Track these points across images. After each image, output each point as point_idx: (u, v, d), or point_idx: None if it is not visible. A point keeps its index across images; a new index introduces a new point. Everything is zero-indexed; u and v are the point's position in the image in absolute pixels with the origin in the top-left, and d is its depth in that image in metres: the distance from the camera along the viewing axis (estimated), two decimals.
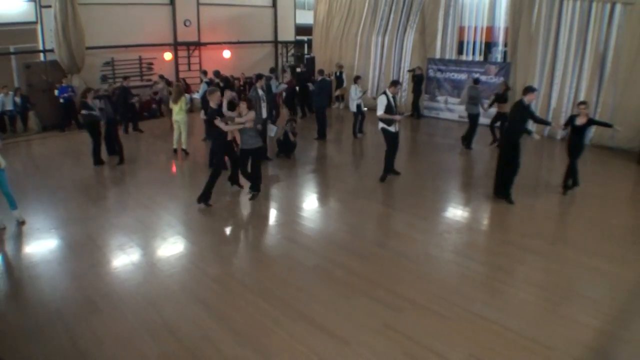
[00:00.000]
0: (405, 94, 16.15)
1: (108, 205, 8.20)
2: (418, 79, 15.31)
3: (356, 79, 12.60)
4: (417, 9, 15.71)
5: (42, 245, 6.72)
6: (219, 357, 4.32)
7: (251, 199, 8.23)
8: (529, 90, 7.92)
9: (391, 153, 9.40)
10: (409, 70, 15.85)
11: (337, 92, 17.46)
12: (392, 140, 9.20)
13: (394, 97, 8.91)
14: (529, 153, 11.45)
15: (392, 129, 9.04)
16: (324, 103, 12.93)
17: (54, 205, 8.12)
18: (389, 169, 9.53)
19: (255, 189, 8.32)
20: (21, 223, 7.27)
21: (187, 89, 16.21)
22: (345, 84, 16.79)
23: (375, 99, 10.20)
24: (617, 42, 11.63)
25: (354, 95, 12.43)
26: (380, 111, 8.82)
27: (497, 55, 14.79)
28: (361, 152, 12.21)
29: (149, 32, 16.25)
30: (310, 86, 14.38)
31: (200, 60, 17.79)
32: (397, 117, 8.96)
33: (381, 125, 9.11)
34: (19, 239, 6.91)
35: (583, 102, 8.96)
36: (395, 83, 9.21)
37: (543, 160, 11.52)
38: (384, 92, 8.97)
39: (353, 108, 12.61)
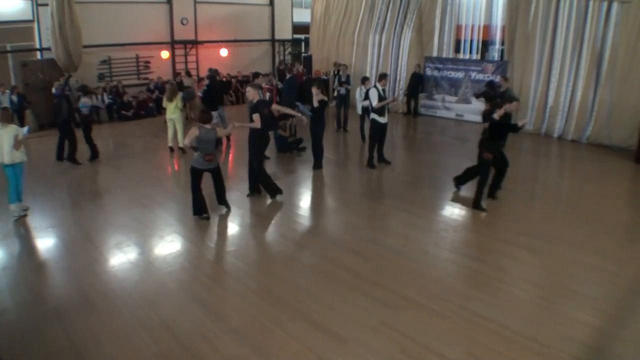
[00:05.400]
0: (402, 92, 16.14)
1: (105, 204, 8.19)
2: (417, 78, 15.29)
3: (363, 80, 12.00)
4: (414, 7, 15.70)
5: (39, 244, 6.72)
6: (216, 355, 4.32)
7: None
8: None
9: (376, 143, 10.01)
10: (405, 94, 15.78)
11: (335, 92, 17.42)
12: (379, 130, 9.85)
13: (383, 90, 9.68)
14: (525, 152, 11.51)
15: (381, 120, 9.71)
16: (293, 103, 12.86)
17: (50, 203, 8.10)
18: (374, 156, 10.08)
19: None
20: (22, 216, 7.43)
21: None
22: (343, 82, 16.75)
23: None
24: (614, 40, 11.64)
25: (359, 97, 12.10)
26: (374, 101, 9.52)
27: (494, 53, 14.80)
28: (359, 150, 12.20)
29: (146, 31, 16.18)
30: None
31: (197, 59, 17.74)
32: (390, 99, 9.77)
33: (372, 115, 9.80)
34: (16, 237, 6.89)
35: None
36: (383, 76, 9.99)
37: (540, 159, 11.53)
38: (374, 86, 9.80)
39: (359, 110, 12.28)
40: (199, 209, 7.30)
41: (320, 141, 9.81)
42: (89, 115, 10.60)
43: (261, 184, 8.13)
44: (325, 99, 9.72)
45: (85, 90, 10.96)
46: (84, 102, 10.40)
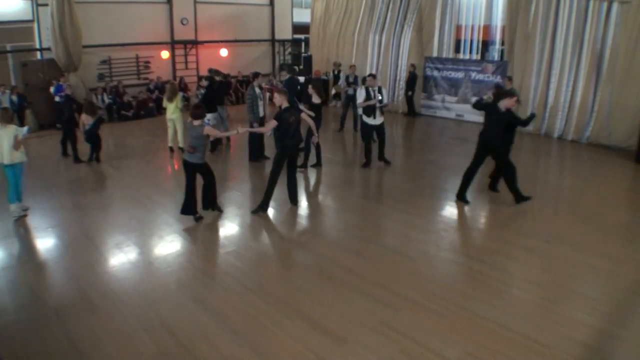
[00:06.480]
0: (401, 92, 16.16)
1: (105, 204, 8.18)
2: (412, 78, 15.29)
3: (363, 81, 11.74)
4: (415, 8, 15.71)
5: (38, 244, 6.73)
6: (216, 355, 4.32)
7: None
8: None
9: (367, 143, 10.05)
10: (407, 94, 15.75)
11: (334, 91, 17.46)
12: (368, 131, 9.95)
13: (374, 90, 9.59)
14: (525, 152, 11.50)
15: (369, 121, 9.75)
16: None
17: (50, 203, 8.10)
18: (369, 157, 10.09)
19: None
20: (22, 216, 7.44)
21: (185, 88, 16.23)
22: (341, 82, 16.76)
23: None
24: (614, 41, 11.64)
25: (360, 98, 11.99)
26: (359, 100, 9.69)
27: (494, 53, 14.82)
28: (359, 150, 12.20)
29: (146, 31, 16.18)
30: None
31: (197, 59, 17.75)
32: (372, 101, 9.57)
33: (362, 116, 9.94)
34: (15, 237, 6.89)
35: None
36: (372, 76, 10.04)
37: (540, 159, 11.53)
38: (362, 85, 10.13)
39: (360, 111, 12.21)
40: (187, 208, 7.20)
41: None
42: (92, 129, 10.28)
43: (266, 191, 7.66)
44: (319, 101, 9.71)
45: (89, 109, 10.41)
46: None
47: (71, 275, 5.76)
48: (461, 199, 8.13)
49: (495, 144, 7.75)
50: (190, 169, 7.12)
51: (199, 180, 7.26)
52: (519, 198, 7.94)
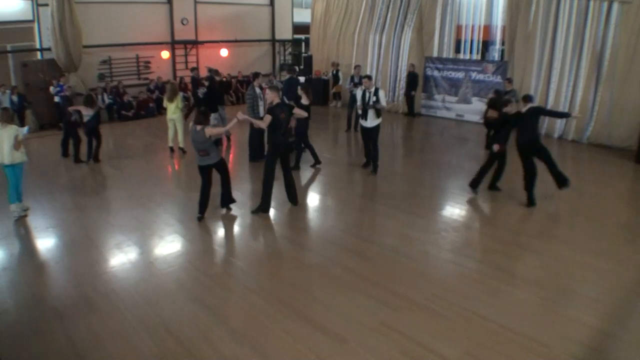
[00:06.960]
0: (402, 92, 16.14)
1: (105, 204, 8.19)
2: (412, 78, 15.28)
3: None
4: (415, 8, 15.70)
5: (39, 244, 6.73)
6: (217, 355, 4.32)
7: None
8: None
9: (365, 144, 10.01)
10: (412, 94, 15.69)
11: (333, 90, 17.48)
12: (363, 134, 9.92)
13: (369, 91, 9.44)
14: None
15: (361, 122, 9.80)
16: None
17: (50, 203, 8.11)
18: (367, 158, 10.10)
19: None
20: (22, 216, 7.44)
21: (185, 88, 16.21)
22: (341, 82, 16.78)
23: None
24: (614, 41, 11.64)
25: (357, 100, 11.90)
26: (357, 103, 9.77)
27: (495, 53, 14.80)
28: (358, 150, 12.20)
29: (146, 31, 16.18)
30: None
31: (197, 59, 17.74)
32: (359, 105, 9.62)
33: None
34: (16, 237, 6.89)
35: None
36: (368, 77, 9.97)
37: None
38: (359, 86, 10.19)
39: (359, 111, 12.14)
40: (200, 208, 7.32)
41: (306, 138, 10.03)
42: (92, 121, 10.25)
43: (263, 191, 7.64)
44: (307, 103, 9.67)
45: (88, 101, 10.35)
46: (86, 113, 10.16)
47: (71, 275, 5.76)
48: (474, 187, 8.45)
49: (539, 142, 7.94)
50: (207, 170, 7.22)
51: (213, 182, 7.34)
52: (532, 200, 7.95)
